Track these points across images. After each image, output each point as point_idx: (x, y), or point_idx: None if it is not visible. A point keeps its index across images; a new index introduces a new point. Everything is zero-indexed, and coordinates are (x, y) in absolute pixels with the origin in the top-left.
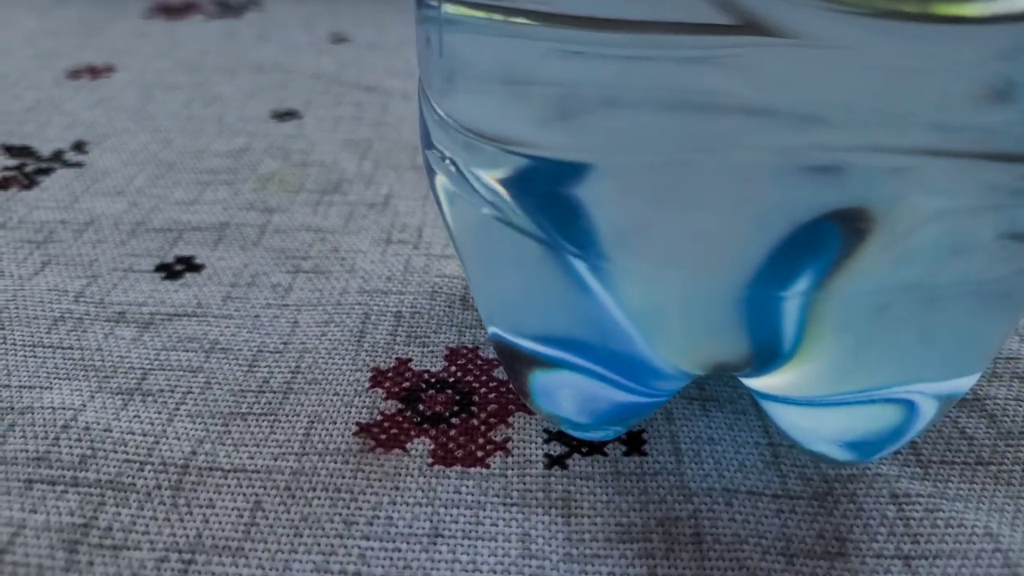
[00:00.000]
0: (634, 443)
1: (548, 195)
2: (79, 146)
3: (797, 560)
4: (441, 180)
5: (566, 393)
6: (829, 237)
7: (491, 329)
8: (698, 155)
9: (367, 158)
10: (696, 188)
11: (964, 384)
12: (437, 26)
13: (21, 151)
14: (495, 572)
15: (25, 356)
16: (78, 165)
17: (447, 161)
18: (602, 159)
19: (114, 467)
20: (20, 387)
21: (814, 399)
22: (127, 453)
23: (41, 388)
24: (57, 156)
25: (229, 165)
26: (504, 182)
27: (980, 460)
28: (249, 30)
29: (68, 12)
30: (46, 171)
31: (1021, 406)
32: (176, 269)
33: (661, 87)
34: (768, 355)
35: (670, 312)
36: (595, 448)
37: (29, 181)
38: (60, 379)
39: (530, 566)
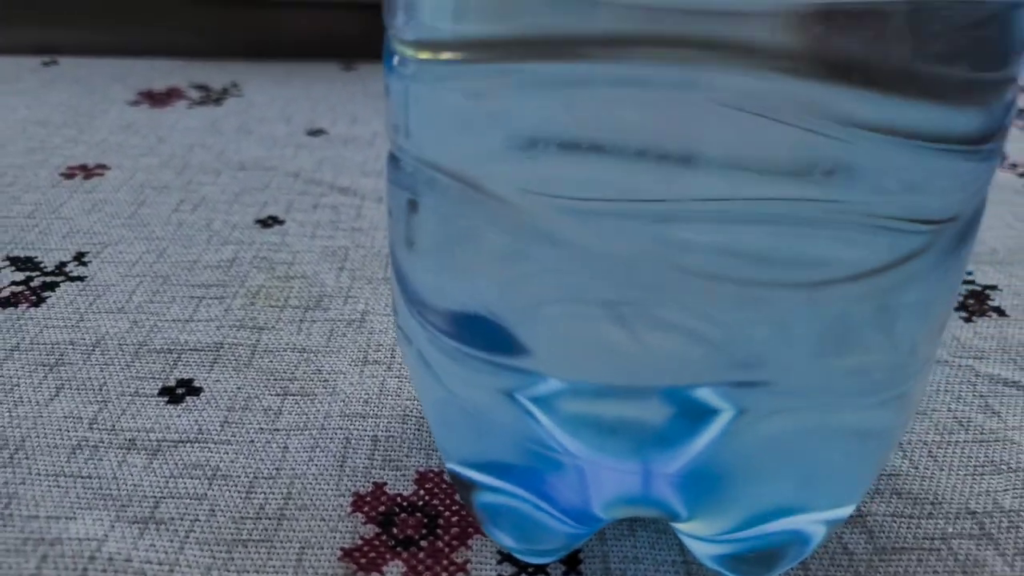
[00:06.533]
0: (572, 562)
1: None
2: (79, 257)
3: None
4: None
5: (509, 524)
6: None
7: (448, 465)
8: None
9: (344, 269)
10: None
11: (846, 511)
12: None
13: (26, 263)
14: None
15: (50, 486)
16: (80, 279)
17: (411, 343)
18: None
19: None
20: (48, 518)
21: (713, 537)
22: None
23: (67, 519)
24: (60, 268)
25: (219, 278)
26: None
27: (858, 574)
28: (230, 120)
29: (56, 97)
30: (51, 286)
31: (896, 522)
32: (178, 393)
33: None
34: (674, 518)
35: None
36: (539, 568)
37: (37, 298)
38: (82, 509)
39: None
